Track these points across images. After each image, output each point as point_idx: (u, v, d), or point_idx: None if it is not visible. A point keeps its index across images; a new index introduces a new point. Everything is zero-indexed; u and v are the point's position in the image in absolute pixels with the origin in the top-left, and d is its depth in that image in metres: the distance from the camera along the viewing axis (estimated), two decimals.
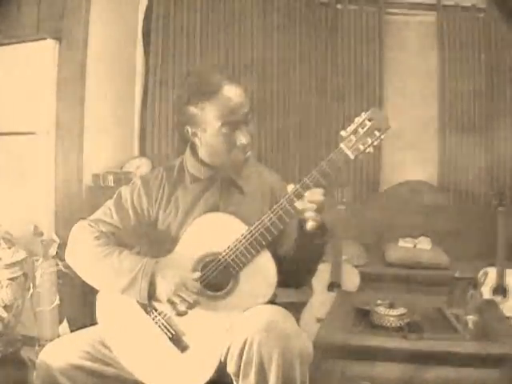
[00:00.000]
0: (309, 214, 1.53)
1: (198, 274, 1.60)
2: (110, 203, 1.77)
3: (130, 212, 1.74)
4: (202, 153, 1.75)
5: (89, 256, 1.67)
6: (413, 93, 4.24)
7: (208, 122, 1.66)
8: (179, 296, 1.56)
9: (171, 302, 1.57)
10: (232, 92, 1.66)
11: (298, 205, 1.54)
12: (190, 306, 1.57)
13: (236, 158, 1.71)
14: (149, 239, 1.76)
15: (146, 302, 1.61)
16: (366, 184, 4.24)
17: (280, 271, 1.61)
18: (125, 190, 1.78)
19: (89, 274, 1.69)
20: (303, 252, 1.65)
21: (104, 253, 1.65)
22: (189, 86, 1.70)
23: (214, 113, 1.65)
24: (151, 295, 1.59)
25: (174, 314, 1.59)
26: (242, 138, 1.68)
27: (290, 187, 1.57)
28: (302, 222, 1.58)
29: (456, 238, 3.89)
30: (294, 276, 1.70)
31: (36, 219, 3.00)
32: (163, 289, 1.57)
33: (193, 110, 1.67)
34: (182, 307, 1.57)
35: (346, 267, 3.22)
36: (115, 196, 1.78)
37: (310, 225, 1.54)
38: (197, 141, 1.73)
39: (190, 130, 1.71)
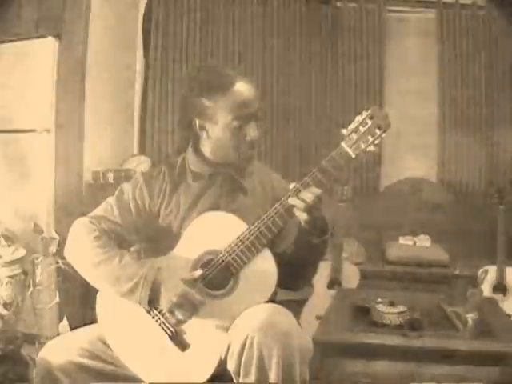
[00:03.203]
0: (298, 212, 1.54)
1: (198, 273, 1.60)
2: (111, 199, 1.76)
3: (132, 208, 1.74)
4: (207, 148, 1.75)
5: (89, 257, 1.66)
6: (413, 90, 4.24)
7: (219, 115, 1.67)
8: (180, 307, 1.57)
9: (172, 313, 1.58)
10: (245, 87, 1.68)
11: (290, 200, 1.55)
12: (190, 316, 1.58)
13: (242, 155, 1.71)
14: (149, 236, 1.76)
15: (147, 307, 1.61)
16: (366, 182, 4.24)
17: (279, 272, 1.61)
18: (126, 187, 1.77)
19: (89, 276, 1.69)
20: (302, 251, 1.65)
21: (105, 255, 1.65)
22: (203, 78, 1.71)
23: (226, 106, 1.66)
24: (152, 301, 1.60)
25: (174, 322, 1.60)
26: (251, 133, 1.68)
27: (292, 186, 1.57)
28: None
29: (456, 236, 3.89)
30: (292, 277, 1.70)
31: (36, 216, 3.00)
32: (164, 299, 1.58)
33: (205, 101, 1.67)
34: (181, 317, 1.58)
35: (346, 265, 3.22)
36: (117, 192, 1.78)
37: (302, 222, 1.56)
38: (204, 134, 1.72)
39: (198, 122, 1.70)
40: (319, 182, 1.54)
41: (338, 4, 4.25)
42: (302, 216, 1.55)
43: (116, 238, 1.71)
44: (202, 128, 1.71)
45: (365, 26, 4.24)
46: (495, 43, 4.15)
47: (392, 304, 2.34)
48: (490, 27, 4.15)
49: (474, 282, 3.11)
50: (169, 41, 4.07)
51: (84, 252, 1.68)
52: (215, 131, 1.69)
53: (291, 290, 1.77)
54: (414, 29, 4.30)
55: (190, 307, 1.57)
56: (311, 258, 1.71)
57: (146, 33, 4.10)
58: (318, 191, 1.53)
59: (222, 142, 1.70)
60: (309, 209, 1.53)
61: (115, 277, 1.62)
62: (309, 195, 1.53)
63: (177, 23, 4.07)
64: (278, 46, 4.18)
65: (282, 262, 1.63)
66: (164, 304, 1.58)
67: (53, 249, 2.80)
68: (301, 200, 1.53)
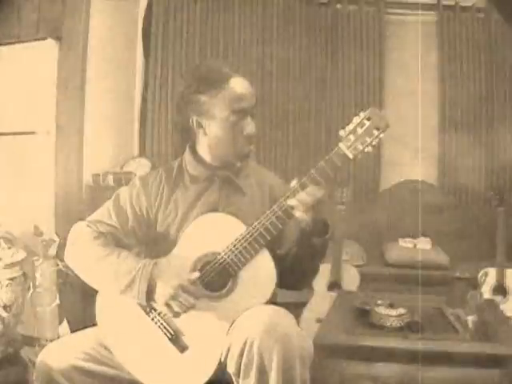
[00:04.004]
0: (296, 213, 1.55)
1: (196, 274, 1.60)
2: (108, 204, 1.77)
3: (129, 213, 1.74)
4: (205, 148, 1.75)
5: (88, 256, 1.67)
6: (413, 92, 4.23)
7: (216, 110, 1.67)
8: (177, 300, 1.56)
9: (168, 306, 1.58)
10: (240, 83, 1.69)
11: (288, 201, 1.55)
12: (186, 310, 1.58)
13: (239, 150, 1.71)
14: (148, 240, 1.75)
15: (145, 303, 1.61)
16: (366, 184, 4.23)
17: (280, 272, 1.61)
18: (124, 191, 1.78)
19: (88, 275, 1.69)
20: (303, 251, 1.65)
21: (103, 253, 1.65)
22: (199, 75, 1.72)
23: (223, 101, 1.66)
24: (149, 297, 1.60)
25: (171, 315, 1.60)
26: (248, 128, 1.69)
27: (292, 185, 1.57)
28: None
29: (456, 238, 3.89)
30: (293, 277, 1.70)
31: (36, 219, 2.99)
32: (161, 292, 1.58)
33: (202, 98, 1.68)
34: (178, 310, 1.57)
35: (346, 267, 3.22)
36: (114, 197, 1.78)
37: (302, 222, 1.56)
38: (201, 132, 1.72)
39: (195, 120, 1.71)
40: (317, 183, 1.54)
41: (338, 6, 4.25)
42: (301, 216, 1.55)
43: (114, 242, 1.71)
44: (199, 126, 1.71)
45: (365, 29, 4.24)
46: (495, 45, 4.15)
47: (392, 306, 2.34)
48: (490, 29, 4.15)
49: (474, 285, 3.11)
50: (169, 41, 4.08)
51: (83, 252, 1.69)
52: (212, 127, 1.69)
53: (292, 289, 1.77)
54: (413, 31, 4.29)
55: (188, 301, 1.57)
56: (312, 258, 1.71)
57: (146, 33, 4.10)
58: (315, 192, 1.54)
59: (219, 137, 1.70)
60: (307, 209, 1.53)
61: (114, 271, 1.62)
62: (306, 196, 1.53)
63: (177, 23, 4.07)
64: (278, 47, 4.18)
65: (283, 262, 1.64)
66: (161, 298, 1.58)
67: (53, 251, 2.79)
68: (298, 201, 1.53)
